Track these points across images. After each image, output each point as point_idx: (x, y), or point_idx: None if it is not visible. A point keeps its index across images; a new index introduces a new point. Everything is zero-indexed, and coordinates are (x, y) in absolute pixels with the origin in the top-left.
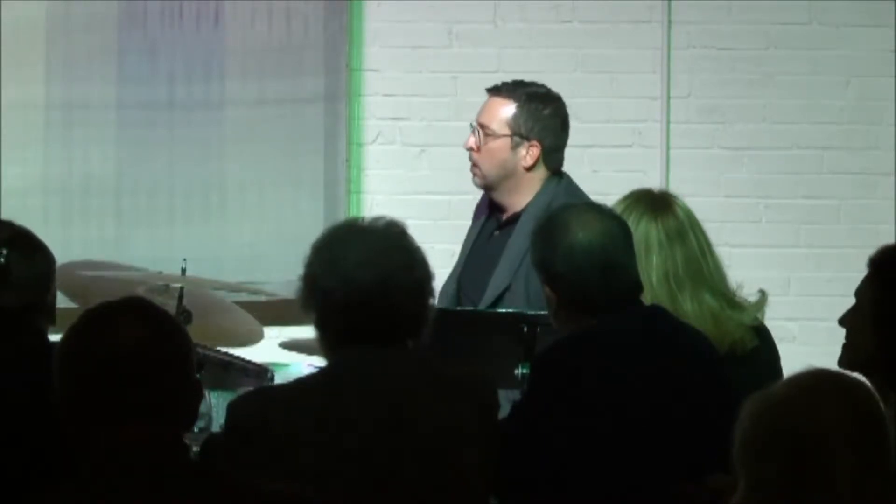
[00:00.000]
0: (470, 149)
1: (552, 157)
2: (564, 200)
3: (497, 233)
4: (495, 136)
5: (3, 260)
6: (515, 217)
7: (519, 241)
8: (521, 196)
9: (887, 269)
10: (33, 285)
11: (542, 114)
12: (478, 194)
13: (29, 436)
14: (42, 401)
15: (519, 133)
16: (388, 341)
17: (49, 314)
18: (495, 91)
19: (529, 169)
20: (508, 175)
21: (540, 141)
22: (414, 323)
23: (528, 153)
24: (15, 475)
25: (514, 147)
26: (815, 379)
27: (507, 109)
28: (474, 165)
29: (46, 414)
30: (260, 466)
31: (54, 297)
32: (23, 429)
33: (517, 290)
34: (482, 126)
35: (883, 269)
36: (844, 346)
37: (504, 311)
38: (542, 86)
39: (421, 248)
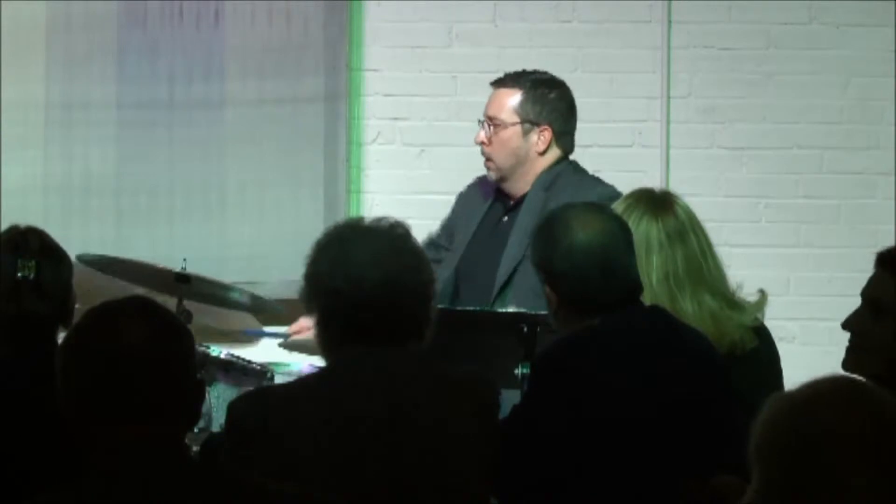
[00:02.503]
0: (481, 143)
1: (563, 139)
2: (571, 174)
3: (506, 218)
4: (505, 125)
5: (33, 274)
6: (523, 198)
7: (527, 217)
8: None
9: None
10: (60, 293)
11: (549, 97)
12: None
13: (38, 441)
14: (52, 406)
15: (528, 119)
16: (390, 341)
17: (70, 320)
18: (499, 83)
19: (542, 153)
20: (522, 162)
21: (550, 124)
22: (416, 324)
23: (540, 138)
24: (19, 476)
25: (526, 133)
26: (837, 384)
27: (513, 98)
28: (488, 160)
29: (55, 419)
30: (260, 466)
31: (73, 302)
32: (33, 433)
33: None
34: (490, 118)
35: None
36: (852, 350)
37: (504, 311)
38: (546, 72)
39: (424, 250)
